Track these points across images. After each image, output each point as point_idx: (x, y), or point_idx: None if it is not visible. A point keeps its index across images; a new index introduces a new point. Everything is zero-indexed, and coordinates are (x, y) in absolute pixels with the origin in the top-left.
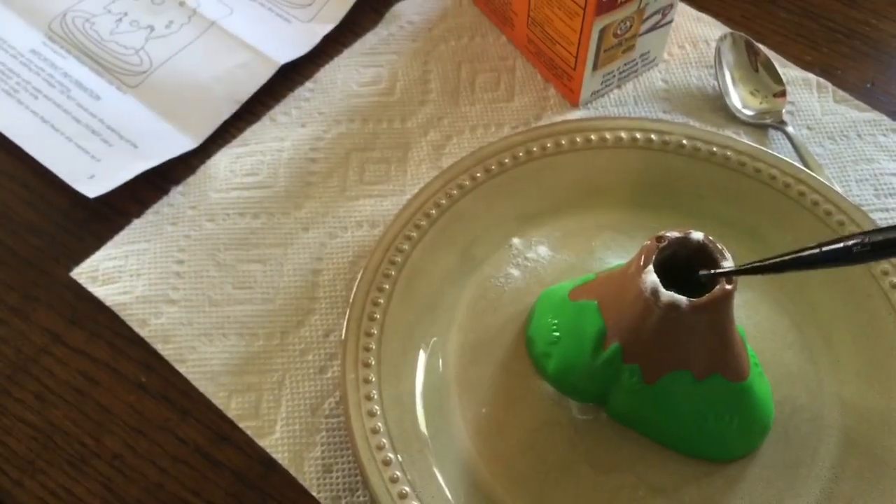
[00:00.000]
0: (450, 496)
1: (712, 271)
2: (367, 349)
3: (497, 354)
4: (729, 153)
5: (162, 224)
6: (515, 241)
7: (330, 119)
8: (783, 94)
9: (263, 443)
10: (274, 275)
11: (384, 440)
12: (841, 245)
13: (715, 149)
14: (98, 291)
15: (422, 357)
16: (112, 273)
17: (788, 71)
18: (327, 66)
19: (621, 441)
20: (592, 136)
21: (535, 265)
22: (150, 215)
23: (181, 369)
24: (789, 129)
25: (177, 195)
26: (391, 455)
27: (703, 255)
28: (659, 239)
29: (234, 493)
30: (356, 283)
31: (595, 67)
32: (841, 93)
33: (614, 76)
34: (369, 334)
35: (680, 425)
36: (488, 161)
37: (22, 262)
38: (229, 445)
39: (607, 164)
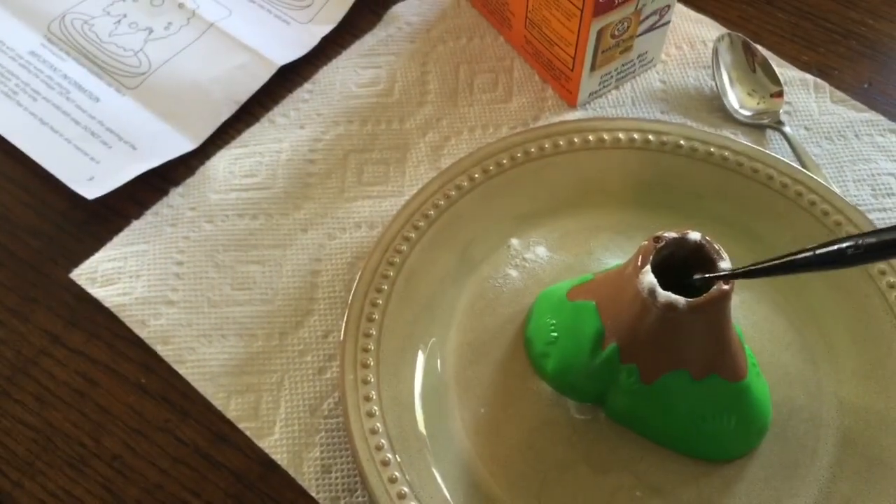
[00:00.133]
0: (448, 496)
1: (706, 275)
2: (366, 350)
3: (495, 355)
4: (726, 153)
5: (161, 225)
6: (514, 241)
7: (328, 120)
8: (780, 94)
9: (262, 443)
10: (273, 276)
11: (383, 440)
12: (835, 248)
13: (712, 149)
14: (97, 293)
15: (420, 357)
16: (111, 274)
17: (786, 71)
18: (326, 68)
19: (619, 441)
20: (590, 137)
21: (534, 266)
22: (149, 217)
23: (180, 370)
24: (787, 129)
25: (176, 196)
26: (390, 455)
27: (701, 256)
28: (656, 239)
29: (234, 493)
30: (355, 284)
31: (593, 68)
32: (838, 93)
33: (612, 77)
34: (368, 335)
35: (678, 425)
36: (486, 162)
37: (21, 264)
38: (228, 446)
39: (605, 164)
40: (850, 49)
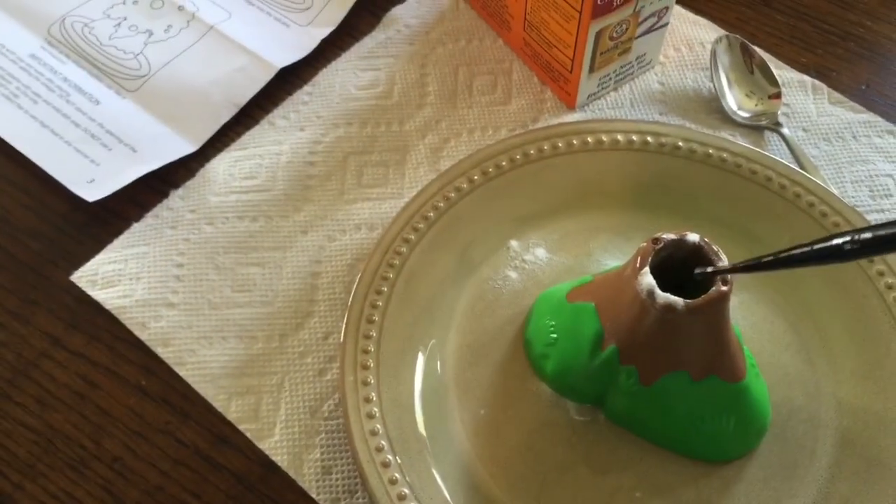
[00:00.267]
0: (448, 497)
1: (707, 269)
2: (366, 351)
3: (495, 356)
4: (725, 155)
5: (161, 228)
6: (513, 243)
7: (328, 122)
8: (778, 95)
9: (263, 445)
10: (273, 278)
11: (383, 442)
12: (832, 243)
13: (711, 151)
14: (98, 295)
15: (420, 359)
16: (112, 277)
17: (784, 73)
18: (325, 70)
19: (619, 442)
20: (589, 139)
21: (533, 267)
22: (149, 219)
23: (181, 372)
24: (785, 130)
25: (176, 199)
26: (390, 457)
27: (699, 257)
28: (655, 241)
29: (235, 495)
30: (355, 286)
31: (591, 70)
32: (836, 94)
33: (610, 79)
34: (368, 337)
35: (677, 426)
36: (486, 164)
37: (21, 266)
38: (229, 448)
39: (604, 166)
40: (848, 51)
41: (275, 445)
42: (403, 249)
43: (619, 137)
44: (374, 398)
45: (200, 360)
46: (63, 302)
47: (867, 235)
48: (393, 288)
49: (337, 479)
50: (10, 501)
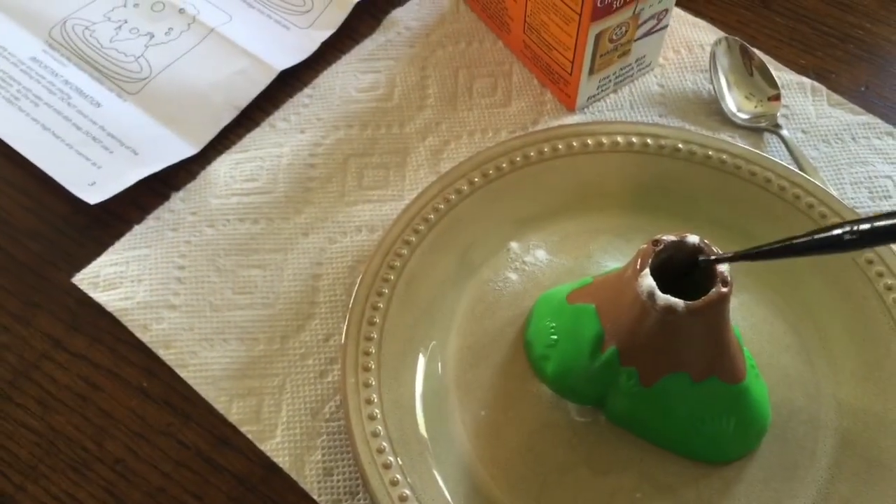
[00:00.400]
0: (450, 498)
1: (710, 257)
2: (367, 353)
3: (495, 358)
4: (724, 157)
5: (163, 230)
6: (513, 245)
7: (329, 125)
8: (778, 97)
9: (264, 447)
10: (274, 280)
11: (384, 443)
12: (832, 233)
13: (710, 152)
14: (99, 297)
15: (421, 361)
16: (113, 279)
17: (783, 75)
18: (326, 73)
19: (619, 443)
20: (589, 141)
21: (533, 269)
22: (150, 221)
23: (182, 374)
24: (784, 132)
25: (177, 201)
26: (391, 458)
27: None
28: (655, 242)
29: (236, 496)
30: (356, 288)
31: (591, 72)
32: (835, 96)
33: (610, 81)
34: (369, 338)
35: (677, 427)
36: (486, 166)
37: (23, 269)
38: (230, 449)
39: (604, 168)
40: (847, 52)
41: (276, 447)
42: (404, 251)
43: (619, 139)
44: (376, 400)
45: (202, 362)
46: (64, 304)
47: (866, 226)
48: (394, 290)
49: (338, 481)
50: (12, 503)
